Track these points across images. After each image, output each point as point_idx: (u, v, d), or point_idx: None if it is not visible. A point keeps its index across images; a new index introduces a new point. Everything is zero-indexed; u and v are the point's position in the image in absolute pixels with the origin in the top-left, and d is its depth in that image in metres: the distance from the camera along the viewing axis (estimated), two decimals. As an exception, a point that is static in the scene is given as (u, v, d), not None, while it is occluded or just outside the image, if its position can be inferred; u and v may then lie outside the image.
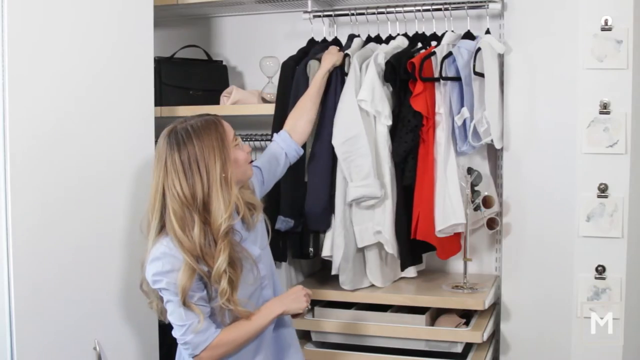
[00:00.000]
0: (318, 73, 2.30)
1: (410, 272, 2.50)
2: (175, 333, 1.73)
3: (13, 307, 1.74)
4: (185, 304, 1.67)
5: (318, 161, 2.36)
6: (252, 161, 1.88)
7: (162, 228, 1.73)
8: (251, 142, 2.76)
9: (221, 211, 1.68)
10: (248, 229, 1.82)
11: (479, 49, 2.27)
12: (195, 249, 1.67)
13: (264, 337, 1.85)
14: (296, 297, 1.86)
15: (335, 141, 2.28)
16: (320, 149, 2.35)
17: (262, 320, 1.80)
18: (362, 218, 2.32)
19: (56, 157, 1.87)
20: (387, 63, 2.30)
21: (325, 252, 2.38)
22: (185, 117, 1.78)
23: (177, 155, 1.68)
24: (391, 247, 2.33)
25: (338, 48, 2.43)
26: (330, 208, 2.35)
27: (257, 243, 1.85)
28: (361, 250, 2.39)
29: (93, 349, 1.95)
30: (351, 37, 2.52)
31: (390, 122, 2.30)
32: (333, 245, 2.33)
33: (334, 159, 2.34)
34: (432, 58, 2.31)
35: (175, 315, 1.71)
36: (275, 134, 2.18)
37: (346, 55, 2.36)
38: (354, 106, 2.26)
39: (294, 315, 1.90)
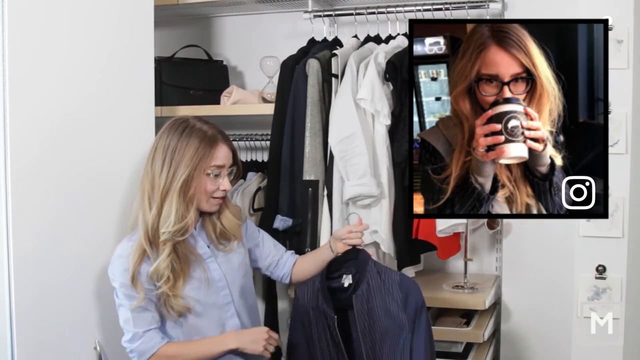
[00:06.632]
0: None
1: (409, 272, 2.50)
2: (123, 339, 1.76)
3: (13, 307, 1.74)
4: (134, 307, 1.71)
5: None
6: (224, 199, 1.82)
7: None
8: (251, 142, 2.77)
9: (170, 221, 1.70)
10: (217, 249, 1.84)
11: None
12: (148, 229, 1.72)
13: None
14: (255, 339, 1.76)
15: (331, 140, 2.27)
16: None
17: (212, 347, 1.75)
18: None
19: (56, 157, 1.87)
20: (389, 62, 2.29)
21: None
22: (208, 120, 1.80)
23: (167, 137, 1.74)
24: (387, 246, 2.32)
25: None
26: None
27: (222, 267, 1.82)
28: (359, 250, 2.38)
29: (93, 348, 1.95)
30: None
31: (389, 122, 2.29)
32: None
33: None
34: (435, 57, 2.31)
35: (124, 320, 1.75)
36: (290, 253, 2.06)
37: (334, 55, 2.36)
38: (351, 105, 2.25)
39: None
